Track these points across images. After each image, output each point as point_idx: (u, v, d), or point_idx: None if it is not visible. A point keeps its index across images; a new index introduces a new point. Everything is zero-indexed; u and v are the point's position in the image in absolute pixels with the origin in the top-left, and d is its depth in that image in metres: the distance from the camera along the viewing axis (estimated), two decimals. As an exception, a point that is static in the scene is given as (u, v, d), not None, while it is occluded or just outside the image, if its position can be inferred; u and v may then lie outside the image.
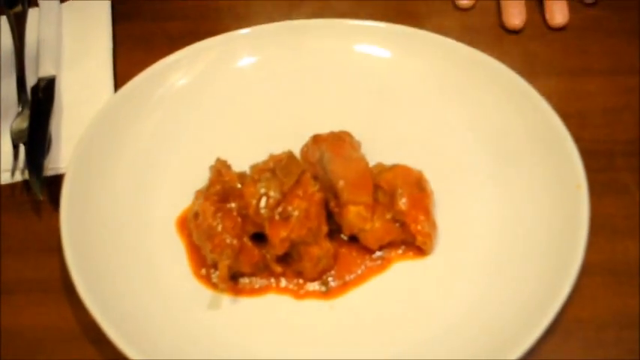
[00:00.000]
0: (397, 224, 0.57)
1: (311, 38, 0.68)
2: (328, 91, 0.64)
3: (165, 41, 0.70)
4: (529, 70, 0.66)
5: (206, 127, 0.65)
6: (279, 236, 0.53)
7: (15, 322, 0.55)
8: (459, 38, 0.67)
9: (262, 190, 0.54)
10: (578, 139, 0.60)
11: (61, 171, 0.61)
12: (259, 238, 0.56)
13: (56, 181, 0.60)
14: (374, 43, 0.68)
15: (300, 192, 0.55)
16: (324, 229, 0.55)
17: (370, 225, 0.56)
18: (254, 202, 0.54)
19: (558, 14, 0.73)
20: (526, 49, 0.72)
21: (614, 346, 0.53)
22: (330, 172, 0.57)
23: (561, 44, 0.72)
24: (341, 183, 0.56)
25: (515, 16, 0.73)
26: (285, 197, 0.54)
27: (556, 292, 0.52)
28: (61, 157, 0.63)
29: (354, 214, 0.56)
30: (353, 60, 0.68)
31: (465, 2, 0.75)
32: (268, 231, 0.54)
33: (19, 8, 0.72)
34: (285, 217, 0.54)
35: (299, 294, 0.56)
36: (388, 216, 0.57)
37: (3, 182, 0.62)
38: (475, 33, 0.72)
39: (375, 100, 0.64)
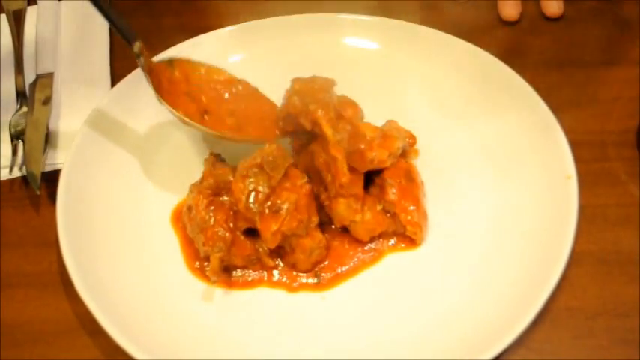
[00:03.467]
0: (388, 215, 0.58)
1: (300, 33, 0.68)
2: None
3: (160, 37, 0.70)
4: (523, 62, 0.67)
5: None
6: (270, 230, 0.54)
7: (13, 315, 0.56)
8: (455, 30, 0.68)
9: (251, 186, 0.55)
10: (571, 130, 0.60)
11: (58, 166, 0.62)
12: (252, 232, 0.56)
13: (54, 176, 0.61)
14: (362, 36, 0.69)
15: (288, 185, 0.55)
16: (315, 220, 0.56)
17: (360, 216, 0.56)
18: (243, 197, 0.55)
19: (554, 4, 0.73)
20: (520, 41, 0.72)
21: (605, 334, 0.54)
22: (320, 165, 0.57)
23: (555, 36, 0.72)
24: (330, 176, 0.56)
25: (511, 7, 0.73)
26: (273, 191, 0.55)
27: (544, 281, 0.52)
28: (59, 153, 0.64)
29: (344, 206, 0.56)
30: (342, 54, 0.68)
31: None
32: (259, 225, 0.55)
33: (19, 6, 0.73)
34: (275, 211, 0.54)
35: (292, 287, 0.56)
36: (379, 207, 0.57)
37: (3, 178, 0.63)
38: (471, 25, 0.73)
39: (365, 92, 0.63)
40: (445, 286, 0.56)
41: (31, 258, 0.59)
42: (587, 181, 0.58)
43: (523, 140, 0.61)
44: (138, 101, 0.65)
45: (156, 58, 0.65)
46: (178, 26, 0.73)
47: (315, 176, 0.57)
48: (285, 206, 0.54)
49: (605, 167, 0.62)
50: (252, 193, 0.55)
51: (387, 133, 0.58)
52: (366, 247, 0.58)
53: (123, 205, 0.60)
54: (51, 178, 0.61)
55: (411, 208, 0.57)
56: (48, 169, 0.63)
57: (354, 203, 0.56)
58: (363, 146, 0.55)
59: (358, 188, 0.56)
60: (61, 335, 0.55)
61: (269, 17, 0.69)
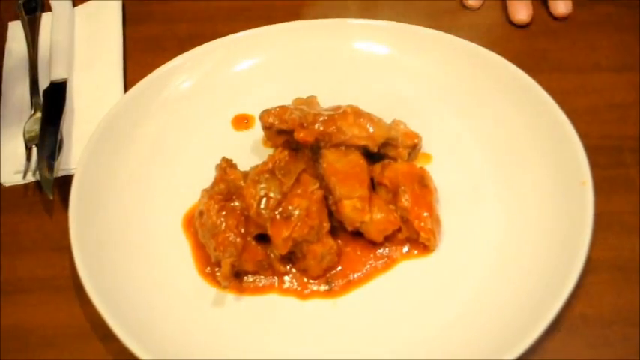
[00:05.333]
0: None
1: (310, 38, 0.68)
2: (330, 90, 0.64)
3: (174, 43, 0.71)
4: (537, 67, 0.66)
5: (212, 127, 0.66)
6: (281, 236, 0.54)
7: (25, 319, 0.56)
8: (467, 34, 0.67)
9: (262, 192, 0.55)
10: (586, 136, 0.59)
11: (71, 172, 0.63)
12: (264, 237, 0.56)
13: (67, 181, 0.61)
14: (373, 41, 0.68)
15: (299, 191, 0.55)
16: (326, 226, 0.55)
17: (369, 216, 0.56)
18: (254, 203, 0.55)
19: (561, 4, 0.72)
20: (534, 46, 0.71)
21: (621, 343, 0.53)
22: (323, 170, 0.57)
23: (571, 40, 0.71)
24: (332, 179, 0.56)
25: (521, 10, 0.72)
26: (285, 197, 0.55)
27: (559, 289, 0.52)
28: (72, 158, 0.64)
29: (350, 209, 0.56)
30: (353, 58, 0.68)
31: (473, 2, 0.74)
32: (270, 231, 0.54)
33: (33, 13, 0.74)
34: (286, 217, 0.54)
35: (303, 294, 0.56)
36: (392, 207, 0.57)
37: (16, 183, 0.63)
38: (483, 30, 0.72)
39: (376, 97, 0.64)
40: (458, 294, 0.55)
41: (44, 262, 0.59)
42: (603, 187, 0.58)
43: (538, 145, 0.60)
44: (150, 107, 0.65)
45: (167, 64, 0.66)
46: (194, 32, 0.72)
47: (321, 181, 0.57)
48: (296, 212, 0.54)
49: (621, 173, 0.62)
50: (264, 199, 0.55)
51: (364, 113, 0.58)
52: (378, 253, 0.58)
53: (135, 210, 0.60)
54: (64, 183, 0.61)
55: (425, 214, 0.57)
56: (61, 174, 0.63)
57: (359, 204, 0.56)
58: (337, 116, 0.57)
59: (363, 189, 0.56)
60: (73, 340, 0.55)
61: (280, 23, 0.69)
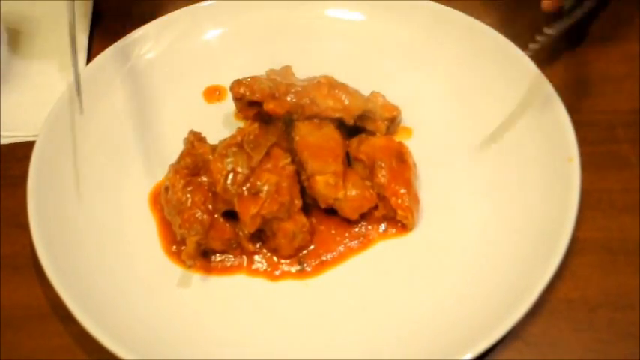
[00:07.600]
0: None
1: (280, 5, 0.66)
2: (301, 59, 0.62)
3: (146, 12, 0.68)
4: (524, 35, 0.62)
5: (182, 98, 0.64)
6: (249, 213, 0.52)
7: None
8: (451, 4, 0.64)
9: (229, 167, 0.53)
10: (575, 109, 0.57)
11: (29, 139, 0.61)
12: (233, 215, 0.54)
13: (28, 154, 0.58)
14: (346, 7, 0.66)
15: (269, 166, 0.53)
16: (298, 203, 0.53)
17: (343, 193, 0.54)
18: (221, 178, 0.52)
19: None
20: (521, 13, 0.68)
21: (607, 327, 0.51)
22: (295, 143, 0.55)
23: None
24: (305, 154, 0.54)
25: None
26: (253, 172, 0.52)
27: (542, 270, 0.50)
28: (29, 125, 0.62)
29: (323, 184, 0.54)
30: (325, 26, 0.66)
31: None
32: (237, 208, 0.52)
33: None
34: (255, 193, 0.52)
35: (273, 275, 0.54)
36: (368, 183, 0.55)
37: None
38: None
39: (350, 66, 0.62)
40: (437, 275, 0.53)
41: (4, 240, 0.57)
42: (592, 164, 0.56)
43: (522, 119, 0.58)
44: (115, 77, 0.63)
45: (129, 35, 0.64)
46: (158, 3, 0.70)
47: (293, 156, 0.55)
48: (265, 188, 0.52)
49: (612, 149, 0.60)
50: (231, 174, 0.53)
51: (339, 84, 0.56)
52: (353, 233, 0.55)
53: (98, 186, 0.58)
54: (25, 157, 0.58)
55: (402, 191, 0.55)
56: (17, 140, 0.62)
57: (332, 180, 0.54)
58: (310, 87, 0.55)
59: (337, 164, 0.54)
60: (31, 321, 0.53)
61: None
